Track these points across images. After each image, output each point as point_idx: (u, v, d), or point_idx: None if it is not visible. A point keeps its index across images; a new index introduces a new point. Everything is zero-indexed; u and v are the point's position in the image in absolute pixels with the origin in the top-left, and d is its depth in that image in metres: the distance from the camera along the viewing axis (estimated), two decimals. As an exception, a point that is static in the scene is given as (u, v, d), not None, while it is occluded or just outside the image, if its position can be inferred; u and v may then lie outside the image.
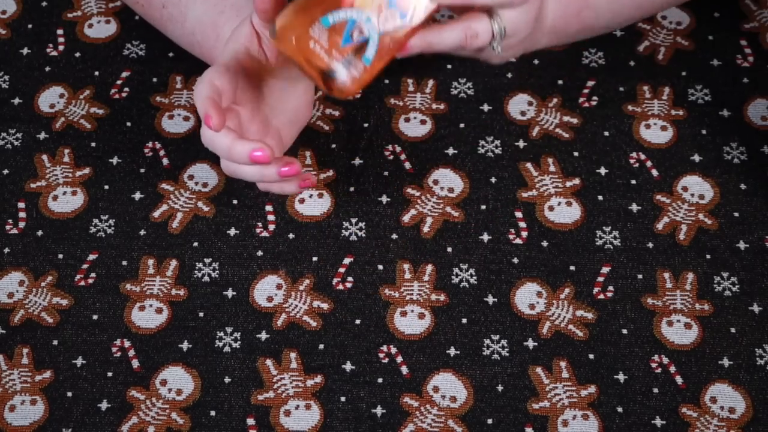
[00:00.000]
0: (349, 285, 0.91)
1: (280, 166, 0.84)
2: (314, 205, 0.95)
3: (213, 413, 0.86)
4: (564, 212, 0.95)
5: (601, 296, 0.91)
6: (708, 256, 0.92)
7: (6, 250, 0.93)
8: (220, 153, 0.84)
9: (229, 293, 0.91)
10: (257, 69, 0.88)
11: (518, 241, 0.93)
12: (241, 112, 0.87)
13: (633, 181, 0.96)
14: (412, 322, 0.90)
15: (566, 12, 0.92)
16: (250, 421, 0.85)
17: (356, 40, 0.80)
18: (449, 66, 1.03)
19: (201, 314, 0.90)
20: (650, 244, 0.93)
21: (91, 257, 0.93)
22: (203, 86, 0.84)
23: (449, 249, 0.93)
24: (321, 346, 0.89)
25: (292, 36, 0.80)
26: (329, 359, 0.88)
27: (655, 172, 0.97)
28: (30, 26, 1.06)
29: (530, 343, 0.89)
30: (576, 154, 0.98)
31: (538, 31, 0.90)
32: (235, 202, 0.95)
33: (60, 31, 1.05)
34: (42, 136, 0.99)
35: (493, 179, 0.96)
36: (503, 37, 0.85)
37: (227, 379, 0.87)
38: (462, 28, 0.83)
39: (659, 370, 0.87)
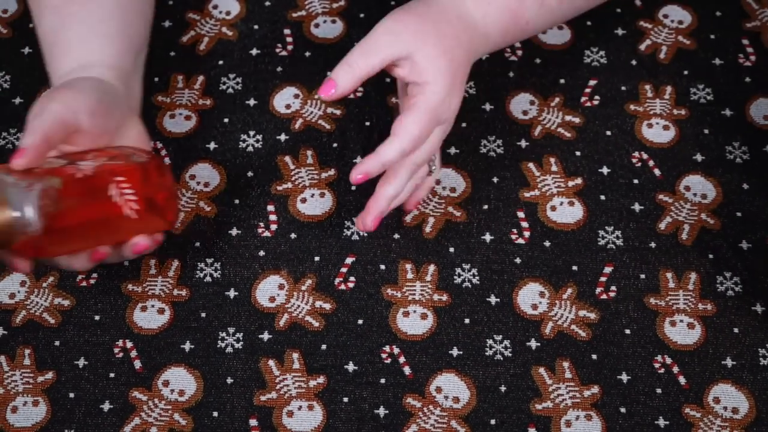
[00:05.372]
0: (351, 285, 0.91)
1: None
2: (316, 204, 0.95)
3: (215, 414, 0.86)
4: (566, 212, 0.95)
5: (604, 296, 0.90)
6: (711, 256, 0.92)
7: (7, 250, 0.93)
8: None
9: (231, 293, 0.91)
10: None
11: (521, 241, 0.93)
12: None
13: (635, 181, 0.96)
14: (414, 323, 0.89)
15: (505, 26, 0.91)
16: (253, 422, 0.85)
17: None
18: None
19: (203, 315, 0.90)
20: (653, 244, 0.93)
21: (93, 257, 0.93)
22: None
23: (451, 249, 0.93)
24: (323, 347, 0.88)
25: None
26: (332, 360, 0.88)
27: (657, 172, 0.96)
28: (31, 25, 1.05)
29: (533, 344, 0.89)
30: (578, 153, 0.97)
31: (460, 86, 0.88)
32: (236, 201, 0.95)
33: (60, 30, 1.05)
34: (43, 135, 0.99)
35: (495, 179, 0.96)
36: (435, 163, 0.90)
37: (230, 380, 0.87)
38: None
39: (662, 371, 0.87)
